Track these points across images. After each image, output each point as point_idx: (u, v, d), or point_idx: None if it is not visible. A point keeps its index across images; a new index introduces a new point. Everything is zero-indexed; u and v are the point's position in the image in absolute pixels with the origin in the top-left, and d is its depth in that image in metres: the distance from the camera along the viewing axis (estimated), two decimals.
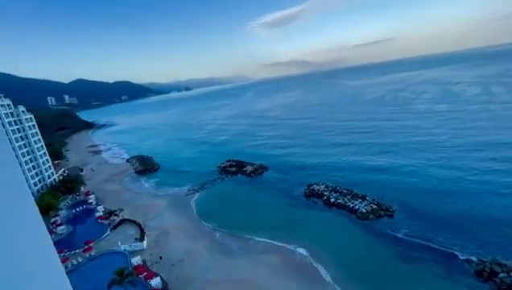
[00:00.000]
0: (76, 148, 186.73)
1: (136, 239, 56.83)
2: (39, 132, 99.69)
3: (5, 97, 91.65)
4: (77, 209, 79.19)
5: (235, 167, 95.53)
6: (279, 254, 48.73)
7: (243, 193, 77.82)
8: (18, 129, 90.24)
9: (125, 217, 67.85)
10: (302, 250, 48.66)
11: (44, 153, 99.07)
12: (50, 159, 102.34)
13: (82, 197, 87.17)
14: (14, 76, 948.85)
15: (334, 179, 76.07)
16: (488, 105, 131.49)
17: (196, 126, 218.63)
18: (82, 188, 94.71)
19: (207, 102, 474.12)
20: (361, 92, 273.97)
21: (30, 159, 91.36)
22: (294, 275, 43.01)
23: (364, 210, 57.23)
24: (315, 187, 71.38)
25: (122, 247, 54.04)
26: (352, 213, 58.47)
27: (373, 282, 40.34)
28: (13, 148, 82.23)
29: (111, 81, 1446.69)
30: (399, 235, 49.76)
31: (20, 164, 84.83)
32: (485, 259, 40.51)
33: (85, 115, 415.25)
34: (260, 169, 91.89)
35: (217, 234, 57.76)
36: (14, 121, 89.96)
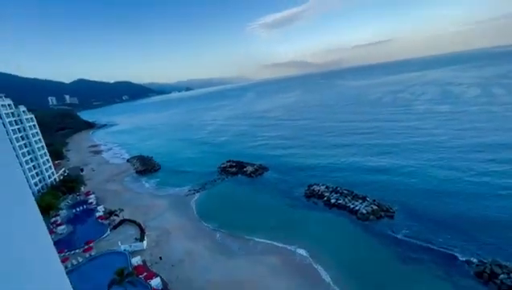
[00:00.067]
0: (77, 148, 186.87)
1: (136, 239, 56.82)
2: (39, 132, 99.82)
3: (6, 96, 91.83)
4: (77, 209, 79.22)
5: (235, 168, 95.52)
6: (279, 254, 48.70)
7: (243, 194, 77.79)
8: (18, 129, 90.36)
9: (126, 217, 67.86)
10: (302, 251, 48.62)
11: (45, 153, 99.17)
12: (50, 159, 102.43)
13: (82, 197, 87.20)
14: (16, 76, 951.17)
15: (334, 179, 76.03)
16: (488, 107, 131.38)
17: (196, 126, 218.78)
18: (82, 188, 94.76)
19: (207, 103, 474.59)
20: (361, 93, 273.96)
21: (30, 158, 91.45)
22: (294, 276, 42.96)
23: (364, 211, 57.16)
24: (316, 187, 71.33)
25: (122, 247, 54.04)
26: (352, 214, 58.41)
27: (373, 283, 40.28)
28: (13, 148, 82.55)
29: (112, 81, 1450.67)
30: (399, 236, 49.70)
31: (20, 164, 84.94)
32: (485, 261, 40.42)
33: (86, 115, 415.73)
34: (260, 170, 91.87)
35: (217, 235, 57.75)
36: (15, 121, 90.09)
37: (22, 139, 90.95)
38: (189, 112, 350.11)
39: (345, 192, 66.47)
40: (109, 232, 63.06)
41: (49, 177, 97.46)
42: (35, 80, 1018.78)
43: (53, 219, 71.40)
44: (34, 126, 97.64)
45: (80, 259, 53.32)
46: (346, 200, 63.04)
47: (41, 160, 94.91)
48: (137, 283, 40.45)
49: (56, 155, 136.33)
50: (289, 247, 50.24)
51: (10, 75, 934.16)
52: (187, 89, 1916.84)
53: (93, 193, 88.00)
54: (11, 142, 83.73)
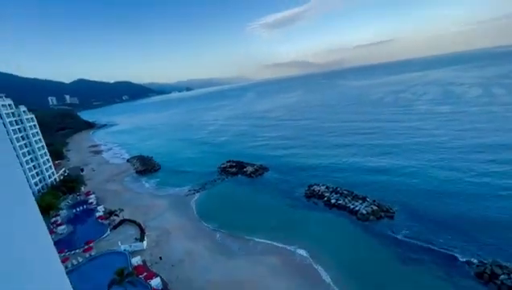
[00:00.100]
0: (77, 148, 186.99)
1: (136, 239, 56.82)
2: (39, 132, 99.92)
3: (6, 96, 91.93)
4: (78, 209, 79.26)
5: (235, 168, 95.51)
6: (279, 255, 48.68)
7: (243, 194, 77.77)
8: (19, 129, 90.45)
9: (126, 217, 67.87)
10: (302, 252, 48.59)
11: (45, 153, 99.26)
12: (51, 159, 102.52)
13: (82, 197, 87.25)
14: (16, 76, 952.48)
15: (335, 180, 76.00)
16: (489, 107, 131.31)
17: (196, 126, 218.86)
18: (83, 188, 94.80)
19: (207, 103, 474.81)
20: (363, 93, 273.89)
21: (30, 158, 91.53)
22: (294, 277, 42.94)
23: (364, 211, 57.12)
24: (316, 188, 71.31)
25: (122, 247, 54.04)
26: (352, 215, 58.38)
27: (373, 284, 40.24)
28: (14, 148, 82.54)
29: (112, 81, 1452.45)
30: (399, 237, 49.65)
31: (21, 164, 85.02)
32: (485, 261, 40.35)
33: (86, 115, 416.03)
34: (260, 170, 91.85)
35: (217, 235, 57.74)
36: (16, 121, 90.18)
37: (23, 139, 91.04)
38: (189, 112, 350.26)
39: (345, 192, 66.44)
40: (109, 232, 63.07)
41: (49, 177, 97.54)
42: (35, 80, 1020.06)
43: (53, 219, 71.44)
44: (34, 126, 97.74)
45: (80, 259, 53.34)
46: (346, 200, 63.01)
47: (41, 160, 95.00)
48: (137, 283, 40.45)
49: (56, 155, 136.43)
50: (289, 247, 50.22)
51: (11, 75, 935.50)
52: (188, 89, 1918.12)
53: (93, 193, 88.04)
54: (12, 142, 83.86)
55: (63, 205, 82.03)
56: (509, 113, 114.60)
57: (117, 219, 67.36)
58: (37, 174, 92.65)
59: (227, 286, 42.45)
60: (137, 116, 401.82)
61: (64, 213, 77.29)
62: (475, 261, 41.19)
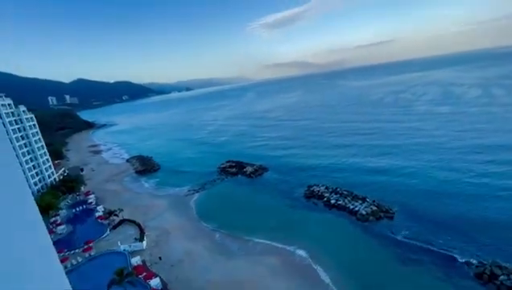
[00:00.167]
0: (77, 148, 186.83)
1: (136, 239, 56.79)
2: (39, 132, 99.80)
3: (6, 96, 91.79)
4: (77, 209, 79.19)
5: (235, 168, 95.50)
6: (279, 255, 48.67)
7: (243, 194, 77.77)
8: (18, 128, 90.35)
9: (125, 217, 67.83)
10: (301, 252, 48.60)
11: (45, 153, 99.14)
12: (50, 159, 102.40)
13: (82, 197, 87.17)
14: (15, 76, 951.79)
15: (334, 180, 76.02)
16: (488, 108, 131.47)
17: (196, 126, 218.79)
18: (82, 188, 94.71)
19: (207, 103, 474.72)
20: (363, 93, 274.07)
21: (30, 158, 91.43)
22: (293, 277, 42.94)
23: (364, 212, 57.13)
24: (316, 188, 71.32)
25: (122, 247, 54.01)
26: (352, 215, 58.39)
27: (373, 284, 40.27)
28: (13, 148, 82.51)
29: (112, 81, 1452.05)
30: (399, 237, 49.67)
31: (20, 164, 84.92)
32: (484, 262, 40.40)
33: (86, 115, 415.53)
34: (260, 170, 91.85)
35: (217, 235, 57.71)
36: (15, 120, 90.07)
37: (22, 139, 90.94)
38: (189, 112, 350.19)
39: (345, 192, 66.46)
40: (108, 232, 63.01)
41: (49, 177, 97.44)
42: (35, 79, 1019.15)
43: (53, 219, 71.34)
44: (34, 125, 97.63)
45: (80, 259, 53.28)
46: (346, 200, 63.03)
47: (41, 160, 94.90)
48: (136, 283, 40.43)
49: (56, 154, 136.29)
50: (288, 248, 50.22)
51: (10, 74, 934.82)
52: (188, 89, 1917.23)
53: (93, 193, 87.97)
54: (11, 142, 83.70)
55: (62, 204, 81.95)
56: (509, 114, 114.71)
57: (117, 219, 67.32)
58: (36, 174, 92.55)
59: (226, 286, 42.44)
60: (136, 116, 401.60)
61: (63, 212, 77.22)
62: (474, 261, 41.23)
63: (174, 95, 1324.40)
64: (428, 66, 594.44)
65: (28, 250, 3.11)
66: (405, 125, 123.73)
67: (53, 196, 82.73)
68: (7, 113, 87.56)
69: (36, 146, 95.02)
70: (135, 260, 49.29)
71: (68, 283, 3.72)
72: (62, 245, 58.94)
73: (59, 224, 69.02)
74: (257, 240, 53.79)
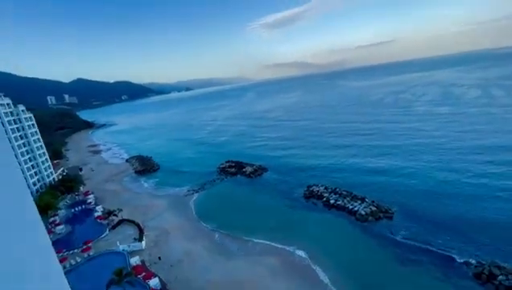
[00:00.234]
0: (76, 148, 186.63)
1: (135, 239, 56.74)
2: (38, 131, 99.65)
3: (4, 96, 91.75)
4: (76, 209, 79.08)
5: (234, 168, 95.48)
6: (278, 255, 48.68)
7: (242, 194, 77.75)
8: (17, 128, 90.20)
9: (125, 217, 67.76)
10: (301, 252, 48.61)
11: (43, 152, 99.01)
12: (49, 159, 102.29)
13: (81, 197, 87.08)
14: (14, 76, 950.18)
15: (334, 180, 76.06)
16: (488, 108, 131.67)
17: (196, 126, 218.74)
18: (81, 188, 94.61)
19: (207, 103, 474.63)
20: (363, 93, 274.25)
21: (29, 158, 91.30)
22: (292, 277, 42.96)
23: (363, 212, 57.18)
24: (315, 188, 71.34)
25: (121, 247, 53.96)
26: (351, 215, 58.42)
27: (372, 284, 40.31)
28: (12, 147, 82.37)
29: (111, 81, 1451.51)
30: (398, 238, 49.72)
31: (19, 163, 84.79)
32: (483, 262, 40.48)
33: (85, 115, 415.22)
34: (259, 170, 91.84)
35: (216, 235, 57.69)
36: (14, 120, 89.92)
37: (21, 139, 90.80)
38: (189, 112, 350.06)
39: (344, 192, 66.50)
40: (107, 232, 62.95)
41: (48, 177, 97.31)
42: (34, 79, 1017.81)
43: (52, 219, 71.25)
44: (33, 125, 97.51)
45: (79, 259, 53.22)
46: (345, 201, 63.07)
47: (40, 160, 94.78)
48: (135, 283, 40.42)
49: (55, 154, 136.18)
50: (288, 248, 50.23)
51: (9, 74, 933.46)
52: (187, 89, 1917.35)
53: (92, 193, 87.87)
54: (10, 142, 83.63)
55: (61, 204, 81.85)
56: (508, 115, 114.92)
57: (116, 219, 67.24)
58: (35, 173, 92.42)
59: (226, 286, 42.43)
60: (136, 116, 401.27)
61: (62, 212, 77.12)
62: (473, 262, 41.31)
63: (174, 95, 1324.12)
64: (428, 66, 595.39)
65: (27, 250, 3.11)
66: (405, 125, 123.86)
67: (52, 196, 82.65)
68: (6, 113, 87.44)
69: (35, 145, 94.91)
70: (134, 260, 49.26)
71: (67, 284, 3.71)
72: (61, 245, 58.86)
73: (58, 224, 68.94)
74: (256, 240, 53.79)
